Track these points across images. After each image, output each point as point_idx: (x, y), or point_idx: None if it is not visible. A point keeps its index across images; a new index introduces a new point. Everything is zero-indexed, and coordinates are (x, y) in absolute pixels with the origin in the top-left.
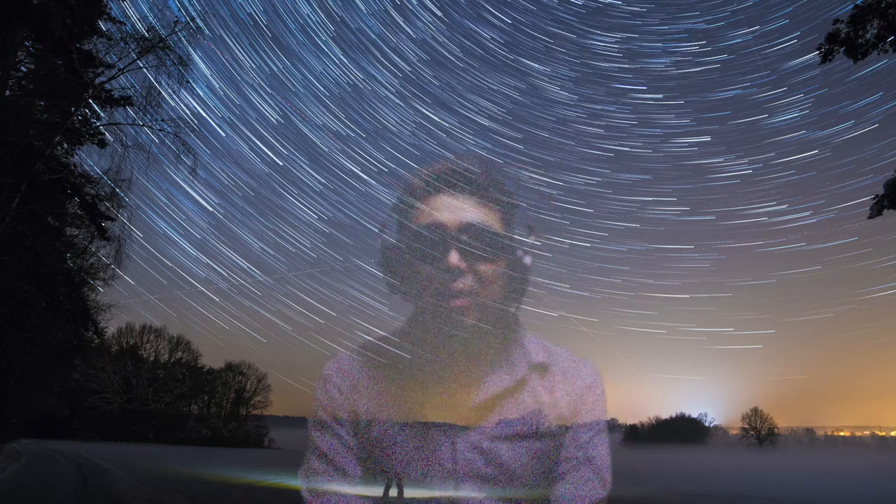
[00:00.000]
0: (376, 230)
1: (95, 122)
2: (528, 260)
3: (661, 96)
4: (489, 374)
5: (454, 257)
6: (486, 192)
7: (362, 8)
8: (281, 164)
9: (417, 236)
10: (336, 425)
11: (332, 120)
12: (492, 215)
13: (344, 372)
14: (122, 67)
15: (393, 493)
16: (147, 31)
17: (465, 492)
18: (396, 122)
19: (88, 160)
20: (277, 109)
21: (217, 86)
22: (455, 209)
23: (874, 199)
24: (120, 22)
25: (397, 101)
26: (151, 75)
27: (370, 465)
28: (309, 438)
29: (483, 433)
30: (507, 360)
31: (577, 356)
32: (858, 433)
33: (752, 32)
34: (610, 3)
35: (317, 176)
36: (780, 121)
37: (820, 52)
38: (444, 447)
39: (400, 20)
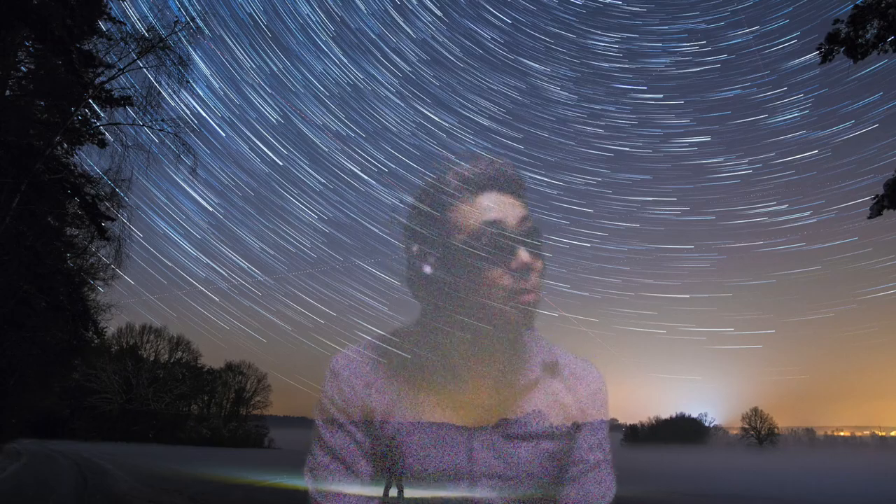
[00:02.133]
0: (404, 245)
1: (95, 122)
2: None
3: (661, 96)
4: (503, 373)
5: (525, 255)
6: (520, 192)
7: (362, 8)
8: (281, 164)
9: (477, 236)
10: (347, 421)
11: (332, 120)
12: (527, 221)
13: (355, 367)
14: (122, 67)
15: (393, 493)
16: (147, 31)
17: (480, 492)
18: (396, 122)
19: (88, 160)
20: (277, 109)
21: (217, 86)
22: (508, 207)
23: (874, 199)
24: (120, 22)
25: (397, 101)
26: (151, 75)
27: (380, 464)
28: (315, 433)
29: (499, 432)
30: (519, 359)
31: (580, 358)
32: (858, 433)
33: (752, 32)
34: (610, 3)
35: (317, 176)
36: (780, 121)
37: (820, 52)
38: (459, 447)
39: (400, 20)
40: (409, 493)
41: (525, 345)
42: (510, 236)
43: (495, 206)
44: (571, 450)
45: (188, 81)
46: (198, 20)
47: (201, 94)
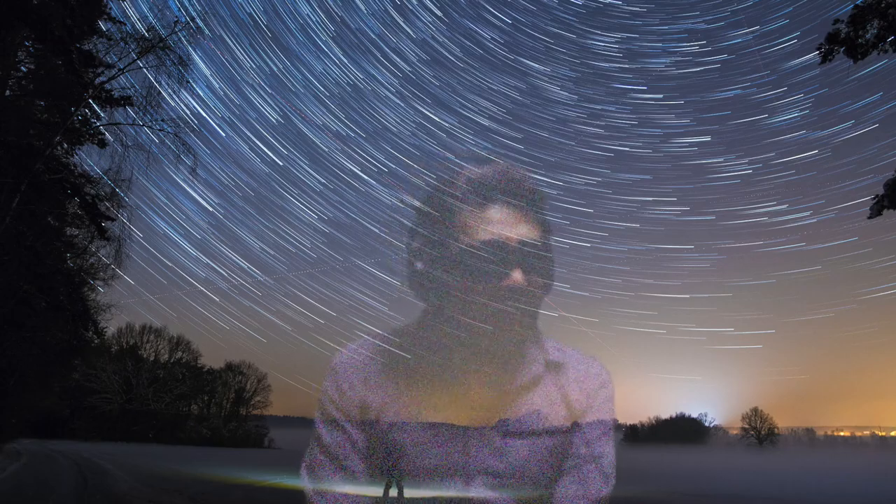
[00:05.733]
0: (404, 246)
1: (95, 122)
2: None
3: (661, 96)
4: (504, 372)
5: (519, 276)
6: (527, 203)
7: (362, 8)
8: (281, 164)
9: (471, 254)
10: (344, 420)
11: (332, 120)
12: (536, 228)
13: (355, 365)
14: (122, 67)
15: (393, 492)
16: (147, 31)
17: (475, 491)
18: (396, 122)
19: (88, 160)
20: (277, 109)
21: (217, 86)
22: (509, 223)
23: (874, 199)
24: (120, 22)
25: (397, 101)
26: (151, 75)
27: (377, 464)
28: (314, 431)
29: (496, 430)
30: (522, 358)
31: (588, 356)
32: (858, 433)
33: (752, 32)
34: (610, 3)
35: (317, 176)
36: (780, 121)
37: (820, 52)
38: (456, 445)
39: (400, 20)
40: (408, 493)
41: (526, 345)
42: (509, 252)
43: (503, 218)
44: (569, 445)
45: (188, 81)
46: (198, 20)
47: (201, 94)
